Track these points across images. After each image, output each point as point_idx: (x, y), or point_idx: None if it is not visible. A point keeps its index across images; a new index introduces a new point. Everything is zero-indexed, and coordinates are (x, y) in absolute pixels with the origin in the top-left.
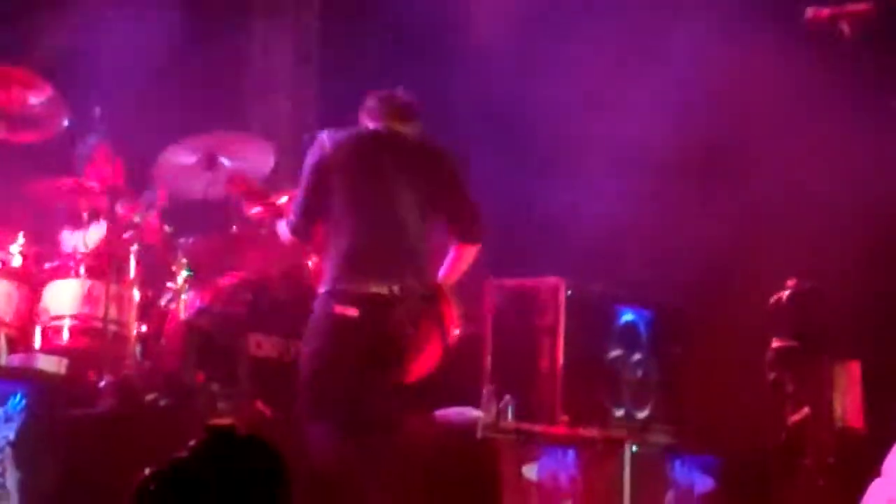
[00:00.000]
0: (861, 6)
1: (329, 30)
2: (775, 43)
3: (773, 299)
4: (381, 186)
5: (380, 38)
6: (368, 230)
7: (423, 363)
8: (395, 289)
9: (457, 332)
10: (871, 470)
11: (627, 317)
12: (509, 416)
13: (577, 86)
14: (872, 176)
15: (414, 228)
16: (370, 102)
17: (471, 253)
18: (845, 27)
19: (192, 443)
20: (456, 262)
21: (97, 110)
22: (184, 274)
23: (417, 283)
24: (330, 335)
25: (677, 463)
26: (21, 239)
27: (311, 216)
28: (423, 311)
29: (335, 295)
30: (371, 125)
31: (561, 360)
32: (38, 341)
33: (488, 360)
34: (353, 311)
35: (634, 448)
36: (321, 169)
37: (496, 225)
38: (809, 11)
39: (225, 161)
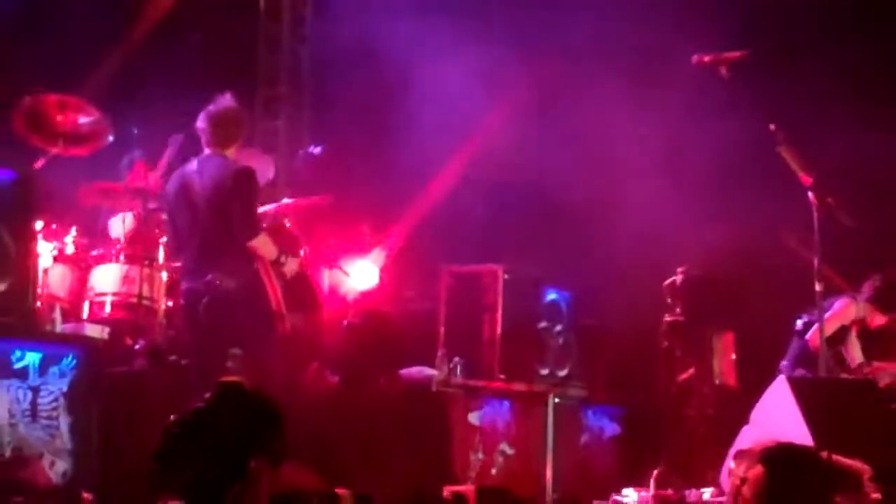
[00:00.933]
0: (735, 54)
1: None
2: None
3: (666, 283)
4: (192, 211)
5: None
6: (187, 243)
7: (261, 330)
8: (205, 283)
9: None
10: (742, 419)
11: (552, 296)
12: (458, 374)
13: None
14: (749, 185)
15: (219, 237)
16: (201, 124)
17: (255, 247)
18: (723, 70)
19: (207, 395)
20: (257, 254)
21: (135, 130)
22: None
23: (227, 277)
24: (181, 315)
25: (590, 412)
26: (73, 232)
27: (172, 238)
28: (241, 296)
29: (181, 288)
30: (202, 151)
31: (499, 330)
32: (86, 313)
33: (442, 329)
34: (182, 300)
35: (556, 400)
36: (166, 204)
37: (450, 223)
38: (695, 57)
39: None
